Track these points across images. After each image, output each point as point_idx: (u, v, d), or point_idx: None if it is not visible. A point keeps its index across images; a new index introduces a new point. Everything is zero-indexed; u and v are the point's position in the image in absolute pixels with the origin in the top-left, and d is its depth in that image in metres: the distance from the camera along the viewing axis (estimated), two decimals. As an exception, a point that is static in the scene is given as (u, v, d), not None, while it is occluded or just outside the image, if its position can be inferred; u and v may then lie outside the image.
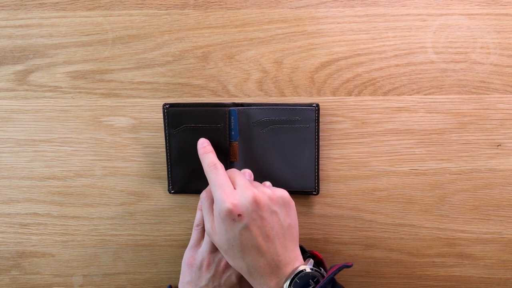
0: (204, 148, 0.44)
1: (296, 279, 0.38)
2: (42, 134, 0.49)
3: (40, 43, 0.48)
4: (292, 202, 0.41)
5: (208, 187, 0.44)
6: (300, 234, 0.49)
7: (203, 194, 0.43)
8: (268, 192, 0.40)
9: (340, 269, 0.39)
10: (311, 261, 0.41)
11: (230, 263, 0.41)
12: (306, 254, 0.43)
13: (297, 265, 0.39)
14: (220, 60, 0.48)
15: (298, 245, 0.41)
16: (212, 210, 0.41)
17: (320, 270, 0.40)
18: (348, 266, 0.39)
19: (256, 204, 0.38)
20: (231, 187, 0.40)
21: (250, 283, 0.41)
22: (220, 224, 0.39)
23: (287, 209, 0.41)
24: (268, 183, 0.48)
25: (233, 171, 0.43)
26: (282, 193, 0.41)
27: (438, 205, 0.48)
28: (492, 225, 0.48)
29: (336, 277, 0.41)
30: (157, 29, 0.48)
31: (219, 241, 0.40)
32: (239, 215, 0.38)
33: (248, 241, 0.38)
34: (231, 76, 0.48)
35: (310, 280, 0.38)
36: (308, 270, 0.39)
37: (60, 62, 0.48)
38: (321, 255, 0.43)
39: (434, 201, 0.48)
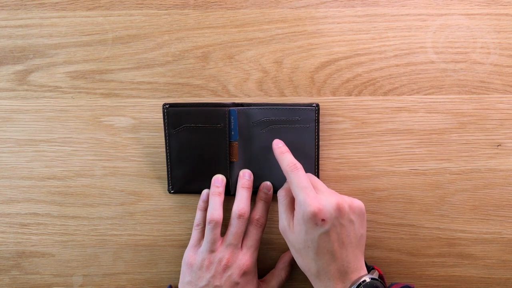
0: (280, 148, 0.45)
1: (362, 286, 0.39)
2: (42, 134, 0.49)
3: (40, 43, 0.48)
4: (365, 214, 0.43)
5: (285, 185, 0.45)
6: (300, 234, 0.49)
7: (282, 192, 0.44)
8: (349, 201, 0.42)
9: None
10: (376, 272, 0.43)
11: (299, 262, 0.42)
12: (368, 267, 0.44)
13: (362, 274, 0.41)
14: (220, 60, 0.48)
15: (363, 256, 0.43)
16: (291, 209, 0.43)
17: (384, 283, 0.41)
18: None
19: (339, 211, 0.40)
20: (314, 191, 0.41)
21: (314, 284, 0.42)
22: (301, 225, 0.40)
23: (362, 219, 0.43)
24: (268, 184, 0.48)
25: (311, 175, 0.45)
26: (360, 204, 0.42)
27: (438, 205, 0.48)
28: (492, 225, 0.48)
29: None
30: (157, 29, 0.48)
31: (295, 240, 0.41)
32: (323, 220, 0.39)
33: (325, 245, 0.40)
34: (231, 76, 0.48)
35: None
36: (373, 280, 0.40)
37: (60, 62, 0.48)
38: (382, 271, 0.44)
39: (434, 201, 0.48)
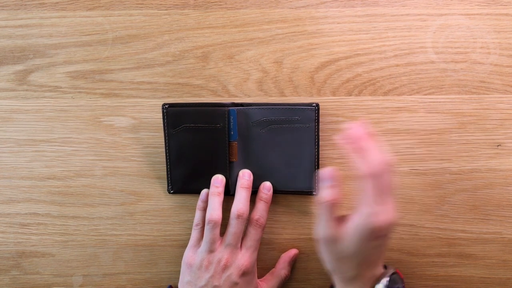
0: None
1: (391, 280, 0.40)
2: (42, 134, 0.49)
3: (40, 43, 0.48)
4: None
5: (324, 191, 0.39)
6: (300, 234, 0.49)
7: (325, 198, 0.38)
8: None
9: None
10: (393, 268, 0.42)
11: (333, 267, 0.40)
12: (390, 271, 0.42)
13: (382, 270, 0.41)
14: (220, 60, 0.48)
15: None
16: (336, 217, 0.39)
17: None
18: None
19: (393, 226, 0.39)
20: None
21: (341, 285, 0.40)
22: (359, 236, 0.37)
23: None
24: (268, 184, 0.48)
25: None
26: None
27: (438, 205, 0.48)
28: (492, 225, 0.48)
29: None
30: (157, 29, 0.48)
31: (339, 249, 0.39)
32: (385, 235, 0.38)
33: (374, 256, 0.40)
34: (231, 76, 0.48)
35: None
36: (393, 274, 0.41)
37: (60, 62, 0.48)
38: (402, 275, 0.43)
39: (434, 201, 0.48)
